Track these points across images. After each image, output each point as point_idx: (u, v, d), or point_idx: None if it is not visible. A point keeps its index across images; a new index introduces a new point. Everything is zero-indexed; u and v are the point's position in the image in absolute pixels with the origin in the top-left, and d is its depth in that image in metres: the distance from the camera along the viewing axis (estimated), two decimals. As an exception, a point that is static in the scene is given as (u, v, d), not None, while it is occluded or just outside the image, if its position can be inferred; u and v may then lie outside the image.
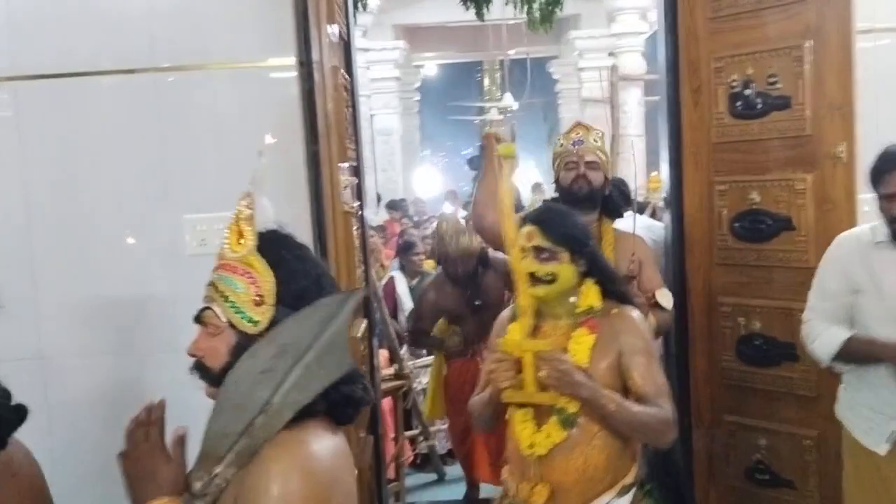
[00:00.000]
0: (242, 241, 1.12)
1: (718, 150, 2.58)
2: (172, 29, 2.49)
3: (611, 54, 8.95)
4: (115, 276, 2.34)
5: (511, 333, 1.88)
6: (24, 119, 2.35)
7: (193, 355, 1.14)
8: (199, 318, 1.15)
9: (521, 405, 1.83)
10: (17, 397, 1.39)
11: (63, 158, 2.35)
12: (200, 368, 1.14)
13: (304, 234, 2.47)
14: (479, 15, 3.44)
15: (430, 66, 14.12)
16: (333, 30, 2.41)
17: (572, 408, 1.77)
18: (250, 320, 1.10)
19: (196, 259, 2.38)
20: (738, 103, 2.50)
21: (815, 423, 2.43)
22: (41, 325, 2.38)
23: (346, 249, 2.46)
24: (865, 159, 2.11)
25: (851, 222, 2.28)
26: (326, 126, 2.25)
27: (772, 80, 2.42)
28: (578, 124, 2.66)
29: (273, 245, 1.14)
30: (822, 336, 2.07)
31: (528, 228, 1.85)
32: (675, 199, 2.70)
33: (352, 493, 1.10)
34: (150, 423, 1.08)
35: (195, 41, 2.49)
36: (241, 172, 2.55)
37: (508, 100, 11.11)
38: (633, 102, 8.11)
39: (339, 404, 1.11)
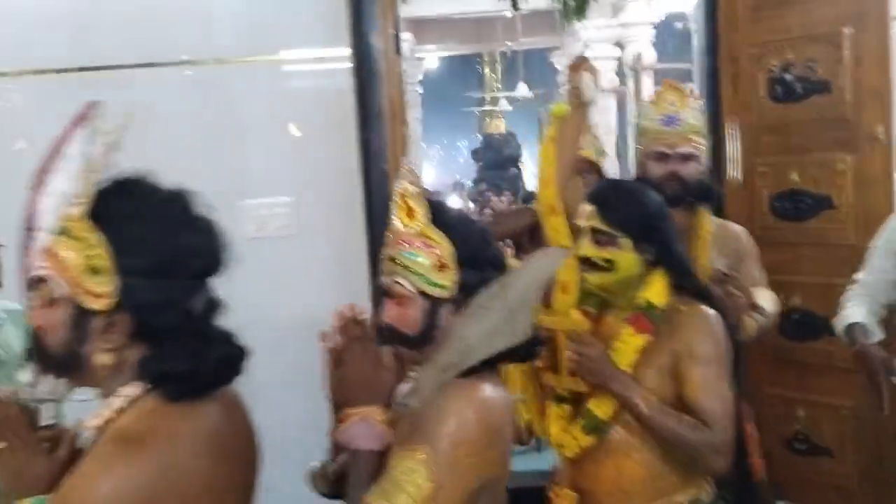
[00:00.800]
0: (414, 215, 1.21)
1: (758, 133, 2.66)
2: (228, 21, 2.56)
3: (617, 44, 8.99)
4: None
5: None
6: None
7: (385, 324, 1.22)
8: (387, 292, 1.23)
9: (560, 399, 1.70)
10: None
11: (123, 148, 2.42)
12: (392, 335, 1.21)
13: (356, 220, 2.55)
14: (515, 5, 3.52)
15: (431, 58, 14.10)
16: (389, 21, 2.50)
17: (601, 413, 1.59)
18: (439, 286, 1.19)
19: (256, 242, 2.47)
20: (778, 88, 2.58)
21: (853, 394, 2.52)
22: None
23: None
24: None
25: (889, 200, 2.39)
26: (390, 114, 2.32)
27: (811, 65, 2.50)
28: (669, 87, 2.12)
29: (439, 213, 1.23)
30: (843, 312, 2.19)
31: (587, 207, 1.64)
32: (716, 181, 2.77)
33: (510, 446, 1.19)
34: (361, 335, 1.11)
35: (251, 33, 2.56)
36: (293, 160, 2.63)
37: (523, 90, 11.14)
38: (645, 92, 8.17)
39: (510, 359, 1.21)
